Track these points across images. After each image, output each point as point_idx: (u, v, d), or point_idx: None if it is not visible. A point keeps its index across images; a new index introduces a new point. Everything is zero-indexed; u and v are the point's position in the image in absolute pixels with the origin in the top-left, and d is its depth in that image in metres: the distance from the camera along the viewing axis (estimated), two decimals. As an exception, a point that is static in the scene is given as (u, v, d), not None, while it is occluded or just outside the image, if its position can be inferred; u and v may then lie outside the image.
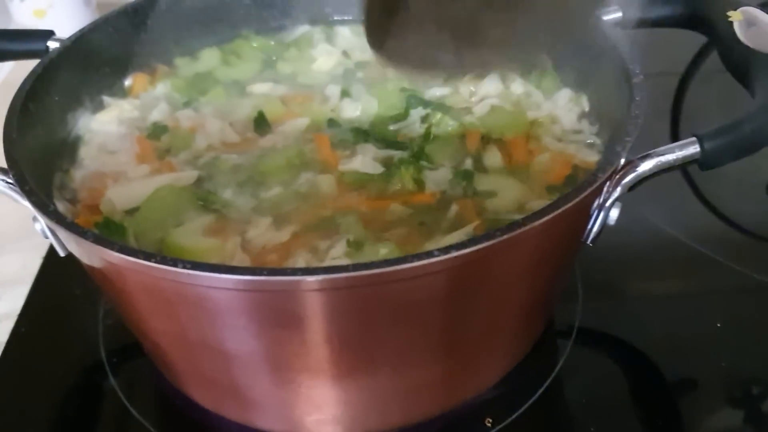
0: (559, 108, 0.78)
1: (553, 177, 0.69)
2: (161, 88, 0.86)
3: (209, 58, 0.90)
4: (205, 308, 0.55)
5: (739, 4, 0.70)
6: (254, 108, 0.81)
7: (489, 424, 0.69)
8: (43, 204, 0.58)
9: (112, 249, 0.52)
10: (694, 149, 0.60)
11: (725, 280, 0.83)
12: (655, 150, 0.60)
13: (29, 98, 0.70)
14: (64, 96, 0.77)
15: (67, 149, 0.77)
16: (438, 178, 0.70)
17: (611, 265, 0.83)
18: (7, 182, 0.61)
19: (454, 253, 0.50)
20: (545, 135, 0.75)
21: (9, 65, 1.28)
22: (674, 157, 0.60)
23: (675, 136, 1.02)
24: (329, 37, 0.93)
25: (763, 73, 0.65)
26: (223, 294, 0.53)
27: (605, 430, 0.68)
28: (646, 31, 0.78)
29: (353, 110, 0.80)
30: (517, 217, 0.54)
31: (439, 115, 0.77)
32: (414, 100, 0.80)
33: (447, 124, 0.76)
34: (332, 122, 0.78)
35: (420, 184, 0.69)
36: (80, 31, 0.80)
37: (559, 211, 0.53)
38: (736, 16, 0.68)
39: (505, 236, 0.51)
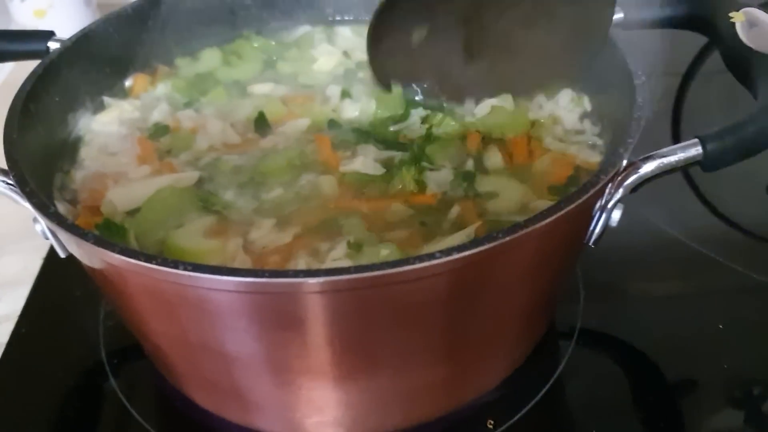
0: (561, 108, 0.78)
1: (555, 178, 0.69)
2: (162, 88, 0.86)
3: (210, 58, 0.90)
4: (206, 310, 0.55)
5: (741, 5, 0.70)
6: (255, 108, 0.81)
7: (491, 426, 0.68)
8: (43, 205, 0.58)
9: (112, 251, 0.52)
10: (696, 151, 0.60)
11: (726, 280, 0.82)
12: (658, 151, 0.60)
13: (30, 99, 0.70)
14: (64, 96, 0.77)
15: (67, 150, 0.77)
16: (439, 179, 0.70)
17: (613, 266, 0.83)
18: (8, 183, 0.61)
19: (456, 255, 0.50)
20: (547, 135, 0.75)
21: (9, 66, 1.28)
22: (676, 159, 0.60)
23: (676, 137, 1.02)
24: (330, 38, 0.93)
25: (766, 74, 0.64)
26: (224, 296, 0.53)
27: (607, 432, 0.68)
28: (646, 32, 0.78)
29: (354, 111, 0.80)
30: (519, 218, 0.54)
31: (439, 116, 0.77)
32: (414, 99, 0.80)
33: (448, 125, 0.76)
34: (333, 123, 0.78)
35: (421, 185, 0.69)
36: (81, 31, 0.80)
37: (562, 212, 0.53)
38: (738, 17, 0.68)
39: (507, 238, 0.51)
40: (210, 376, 0.65)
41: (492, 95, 0.79)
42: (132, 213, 0.68)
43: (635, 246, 0.84)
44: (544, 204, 0.64)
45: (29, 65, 0.74)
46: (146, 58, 0.88)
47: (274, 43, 0.93)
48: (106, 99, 0.83)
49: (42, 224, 0.63)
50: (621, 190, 0.59)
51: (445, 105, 0.79)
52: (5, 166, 0.62)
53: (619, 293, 0.83)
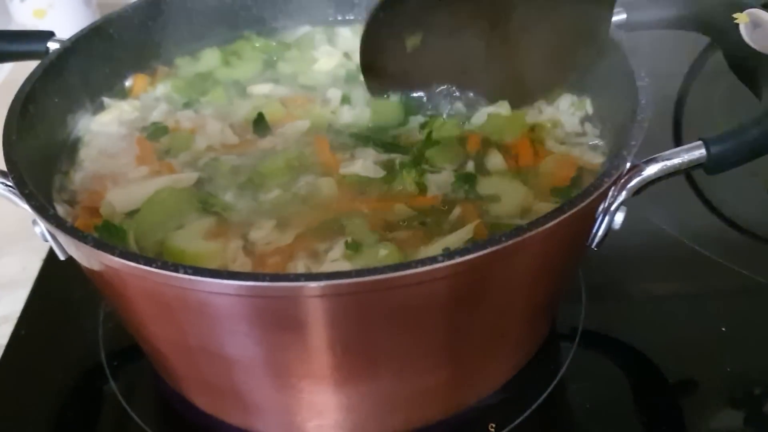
0: (562, 112, 0.77)
1: (557, 179, 0.69)
2: (161, 88, 0.86)
3: (210, 58, 0.90)
4: (206, 313, 0.55)
5: (745, 6, 0.69)
6: (254, 109, 0.80)
7: (492, 430, 0.68)
8: (42, 207, 0.57)
9: (112, 254, 0.52)
10: (700, 153, 0.59)
11: (729, 282, 0.82)
12: (661, 154, 0.60)
13: (29, 100, 0.69)
14: (64, 97, 0.77)
15: (66, 151, 0.77)
16: (440, 181, 0.69)
17: (615, 268, 0.83)
18: (7, 185, 0.61)
19: (459, 259, 0.49)
20: (548, 138, 0.74)
21: (8, 66, 1.27)
22: (680, 161, 0.59)
23: (677, 139, 1.01)
24: (331, 38, 0.92)
25: (770, 76, 0.64)
26: (224, 299, 0.53)
27: (609, 435, 0.68)
28: (647, 33, 0.78)
29: (353, 116, 0.79)
30: (521, 221, 0.54)
31: (440, 120, 0.76)
32: (413, 104, 0.79)
33: (447, 129, 0.75)
34: (332, 126, 0.78)
35: (422, 187, 0.69)
36: (80, 32, 0.80)
37: (564, 216, 0.53)
38: (742, 18, 0.67)
39: (510, 241, 0.51)
40: (210, 379, 0.65)
41: (490, 102, 0.78)
42: (131, 214, 0.68)
43: (637, 248, 0.84)
44: (546, 207, 0.64)
45: (29, 66, 0.74)
46: (146, 59, 0.87)
47: (274, 43, 0.92)
48: (106, 99, 0.83)
49: (41, 226, 0.62)
50: (624, 193, 0.59)
51: (444, 116, 0.79)
52: (4, 168, 0.61)
53: (621, 295, 0.82)
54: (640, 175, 0.59)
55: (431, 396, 0.66)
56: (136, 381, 0.75)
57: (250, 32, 0.93)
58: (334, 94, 0.82)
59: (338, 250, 0.62)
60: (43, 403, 0.74)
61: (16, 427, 0.72)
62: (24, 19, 1.29)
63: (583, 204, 0.54)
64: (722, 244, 0.86)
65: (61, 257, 0.64)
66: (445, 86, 0.79)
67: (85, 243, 0.53)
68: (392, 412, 0.66)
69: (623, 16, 0.77)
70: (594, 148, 0.73)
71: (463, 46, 0.76)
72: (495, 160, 0.72)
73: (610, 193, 0.59)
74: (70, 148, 0.77)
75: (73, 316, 0.82)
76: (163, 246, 0.64)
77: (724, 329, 0.76)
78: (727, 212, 0.91)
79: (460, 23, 0.75)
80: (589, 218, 0.60)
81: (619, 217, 0.60)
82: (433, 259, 0.49)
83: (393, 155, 0.73)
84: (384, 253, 0.61)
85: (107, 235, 0.64)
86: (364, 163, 0.71)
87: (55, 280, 0.87)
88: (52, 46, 0.78)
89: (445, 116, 0.78)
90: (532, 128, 0.76)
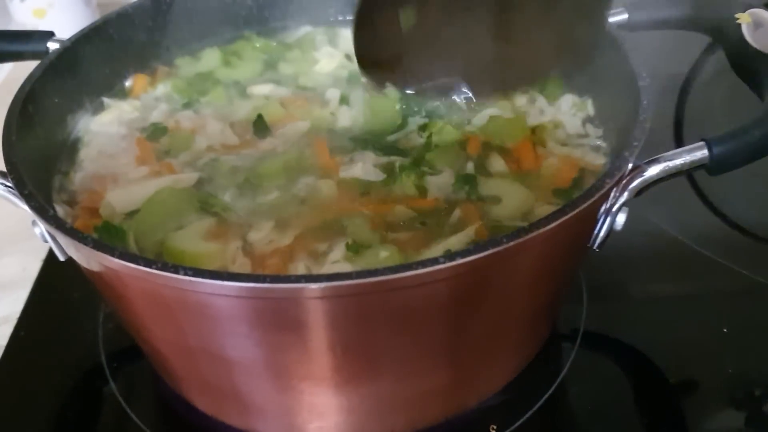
0: (563, 113, 0.77)
1: (559, 181, 0.69)
2: (162, 88, 0.85)
3: (210, 58, 0.89)
4: (206, 315, 0.55)
5: (747, 6, 0.69)
6: (254, 110, 0.80)
7: (493, 431, 0.68)
8: (42, 208, 0.57)
9: (112, 255, 0.52)
10: (702, 154, 0.59)
11: (730, 283, 0.82)
12: (663, 155, 0.59)
13: (29, 100, 0.69)
14: (63, 97, 0.77)
15: (66, 151, 0.76)
16: (440, 182, 0.69)
17: (616, 269, 0.83)
18: (6, 186, 0.60)
19: (460, 261, 0.49)
20: (549, 140, 0.74)
21: (8, 66, 1.27)
22: (682, 162, 0.59)
23: (678, 139, 1.01)
24: (332, 39, 0.92)
25: (772, 76, 0.64)
26: (224, 301, 0.53)
27: (611, 437, 0.68)
28: (647, 33, 0.78)
29: (351, 116, 0.79)
30: (523, 223, 0.54)
31: (440, 124, 0.75)
32: (412, 108, 0.79)
33: (447, 132, 0.75)
34: (331, 129, 0.77)
35: (422, 190, 0.68)
36: (80, 31, 0.79)
37: (566, 217, 0.52)
38: (744, 18, 0.67)
39: (512, 243, 0.50)
40: (210, 380, 0.65)
41: (488, 90, 0.77)
42: (131, 215, 0.68)
43: (638, 248, 0.84)
44: (547, 208, 0.63)
45: (28, 66, 0.74)
46: (146, 59, 0.87)
47: (274, 43, 0.92)
48: (106, 100, 0.82)
49: (41, 227, 0.62)
50: (626, 194, 0.59)
51: (443, 113, 0.78)
52: (3, 169, 0.61)
53: (622, 296, 0.82)
54: (642, 176, 0.59)
55: (432, 398, 0.65)
56: (136, 382, 0.75)
57: (250, 32, 0.92)
58: (333, 94, 0.82)
59: (339, 251, 0.62)
60: (42, 404, 0.73)
61: (16, 427, 0.72)
62: (24, 19, 1.29)
63: (584, 205, 0.54)
64: (723, 245, 0.85)
65: (61, 258, 0.64)
66: (444, 78, 0.78)
67: (85, 244, 0.53)
68: (393, 414, 0.66)
69: (625, 16, 0.77)
70: (596, 149, 0.73)
71: (459, 27, 0.75)
72: (496, 164, 0.71)
73: (612, 194, 0.58)
74: (70, 149, 0.77)
75: (73, 317, 0.82)
76: (163, 246, 0.64)
77: (725, 330, 0.76)
78: (728, 213, 0.91)
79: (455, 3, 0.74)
80: (590, 219, 0.60)
81: (621, 218, 0.60)
82: (434, 261, 0.49)
83: (392, 158, 0.72)
84: (385, 255, 0.60)
85: (107, 236, 0.64)
86: (364, 167, 0.71)
87: (55, 280, 0.87)
88: (52, 46, 0.78)
89: (444, 113, 0.77)
90: (533, 130, 0.75)
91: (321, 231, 0.65)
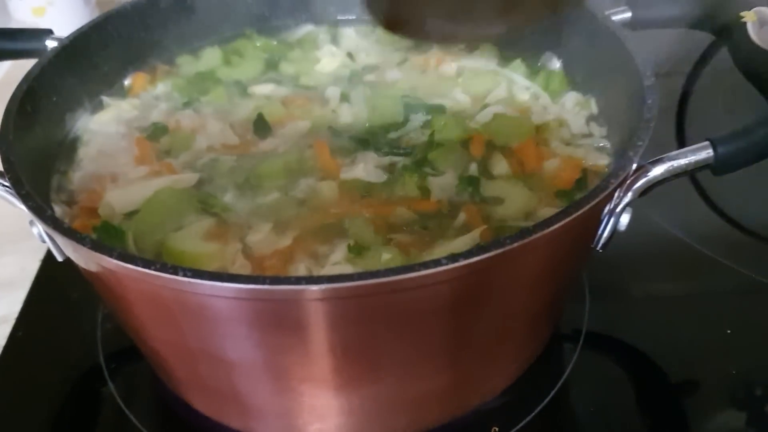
0: (567, 111, 0.77)
1: (562, 182, 0.68)
2: (161, 87, 0.85)
3: (211, 57, 0.89)
4: (205, 316, 0.54)
5: (752, 5, 0.69)
6: (255, 109, 0.79)
7: (495, 433, 0.68)
8: (40, 208, 0.56)
9: (110, 255, 0.51)
10: (707, 154, 0.59)
11: (733, 284, 0.82)
12: (667, 154, 0.59)
13: (27, 99, 0.69)
14: (62, 96, 0.76)
15: (65, 150, 0.76)
16: (443, 184, 0.68)
17: (618, 269, 0.82)
18: (4, 185, 0.60)
19: (462, 262, 0.49)
20: (553, 139, 0.73)
21: (6, 64, 1.26)
22: (686, 162, 0.59)
23: (681, 138, 1.01)
24: (334, 38, 0.92)
25: (777, 75, 0.64)
26: (224, 302, 0.52)
27: (614, 439, 0.67)
28: (650, 31, 0.77)
29: (352, 117, 0.78)
30: (526, 224, 0.53)
31: (443, 122, 0.75)
32: (414, 105, 0.78)
33: (450, 130, 0.74)
34: (332, 129, 0.77)
35: (425, 191, 0.68)
36: (79, 29, 0.79)
37: (570, 218, 0.52)
38: (749, 17, 0.67)
39: (515, 244, 0.50)
40: (210, 381, 0.64)
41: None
42: (130, 215, 0.67)
43: (641, 248, 0.83)
44: (551, 209, 0.63)
45: (27, 64, 0.73)
46: (146, 57, 0.87)
47: (276, 42, 0.91)
48: (105, 98, 0.82)
49: (38, 227, 0.62)
50: (630, 194, 0.58)
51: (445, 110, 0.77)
52: (1, 168, 0.61)
53: (624, 296, 0.82)
54: (646, 176, 0.58)
55: (434, 399, 0.65)
56: (134, 383, 0.75)
57: (251, 31, 0.92)
58: (333, 93, 0.82)
59: (340, 252, 0.61)
60: (40, 405, 0.73)
61: (14, 428, 0.72)
62: (23, 17, 1.29)
63: (588, 206, 0.53)
64: (726, 245, 0.85)
65: (59, 258, 0.64)
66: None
67: (83, 245, 0.53)
68: (394, 416, 0.65)
69: (628, 15, 0.76)
70: (599, 149, 0.72)
71: None
72: (499, 165, 0.71)
73: (616, 195, 0.58)
74: (69, 148, 0.76)
75: (72, 318, 0.82)
76: (162, 247, 0.63)
77: (727, 330, 0.76)
78: (731, 213, 0.91)
79: None
80: (594, 220, 0.59)
81: (625, 219, 0.59)
82: (436, 262, 0.48)
83: (395, 158, 0.72)
84: (387, 257, 0.60)
85: (106, 237, 0.64)
86: (366, 167, 0.70)
87: (54, 281, 0.86)
88: (51, 44, 0.78)
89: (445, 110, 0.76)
90: (537, 129, 0.75)
91: (322, 232, 0.64)
